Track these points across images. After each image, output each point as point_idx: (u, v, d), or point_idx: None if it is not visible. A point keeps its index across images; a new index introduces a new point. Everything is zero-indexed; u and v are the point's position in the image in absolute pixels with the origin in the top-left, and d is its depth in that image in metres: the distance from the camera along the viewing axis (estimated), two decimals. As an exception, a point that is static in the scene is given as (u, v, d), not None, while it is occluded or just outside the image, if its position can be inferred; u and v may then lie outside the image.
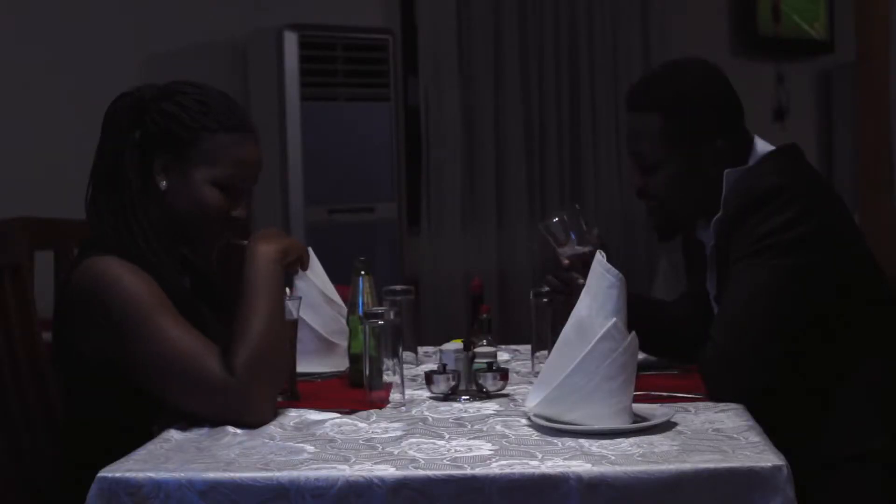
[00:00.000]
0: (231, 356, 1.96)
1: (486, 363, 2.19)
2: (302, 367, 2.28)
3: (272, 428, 1.93)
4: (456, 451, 1.76)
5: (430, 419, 1.99)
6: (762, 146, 2.30)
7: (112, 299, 1.99)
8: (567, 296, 2.34)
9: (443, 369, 2.15)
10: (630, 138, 2.35)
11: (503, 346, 2.65)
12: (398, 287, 2.48)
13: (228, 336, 2.02)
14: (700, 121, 2.27)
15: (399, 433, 1.88)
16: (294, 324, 2.19)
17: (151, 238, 2.11)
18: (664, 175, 2.28)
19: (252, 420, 1.94)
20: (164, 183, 2.13)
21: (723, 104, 2.31)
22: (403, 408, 2.07)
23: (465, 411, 2.04)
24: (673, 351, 2.41)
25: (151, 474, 1.67)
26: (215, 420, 1.94)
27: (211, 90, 2.18)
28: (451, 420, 1.97)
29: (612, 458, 1.70)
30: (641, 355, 2.22)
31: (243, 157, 2.15)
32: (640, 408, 1.93)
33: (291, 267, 2.20)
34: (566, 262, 2.35)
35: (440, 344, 2.28)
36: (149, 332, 1.97)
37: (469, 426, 1.93)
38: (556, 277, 2.37)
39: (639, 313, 1.97)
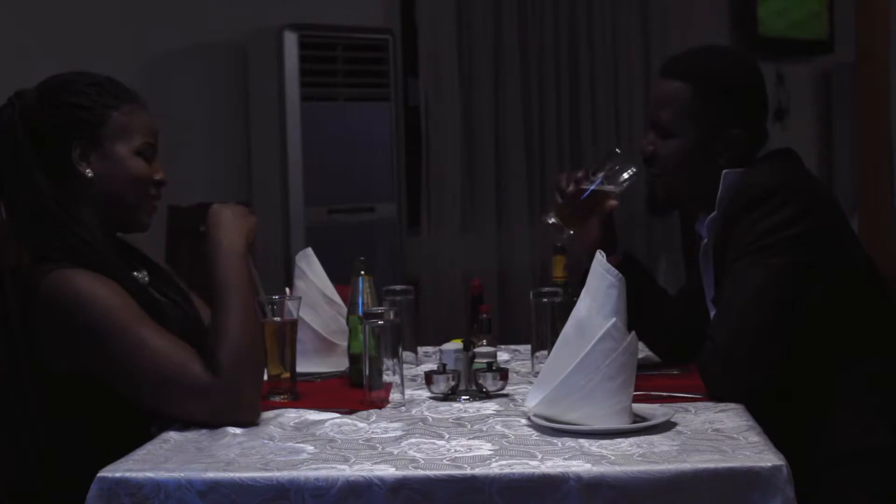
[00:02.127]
0: (213, 358, 1.96)
1: (486, 363, 2.19)
2: (302, 367, 2.28)
3: (272, 428, 1.93)
4: (456, 451, 1.76)
5: (430, 419, 1.99)
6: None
7: (87, 317, 1.99)
8: (568, 207, 2.38)
9: (443, 369, 2.15)
10: (655, 103, 2.36)
11: (503, 346, 2.65)
12: (398, 287, 2.48)
13: (196, 328, 2.01)
14: (727, 105, 2.28)
15: (399, 433, 1.88)
16: (294, 324, 2.19)
17: (94, 237, 2.10)
18: (677, 145, 2.30)
19: (242, 417, 1.95)
20: (88, 171, 2.13)
21: (752, 98, 2.33)
22: (403, 408, 2.07)
23: (465, 411, 2.04)
24: (657, 341, 2.43)
25: (151, 474, 1.67)
26: (208, 423, 1.94)
27: (93, 74, 2.21)
28: (450, 420, 1.97)
29: (612, 458, 1.70)
30: (641, 355, 2.22)
31: (147, 123, 2.19)
32: (640, 408, 1.93)
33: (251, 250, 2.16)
34: (591, 187, 2.37)
35: (440, 344, 2.28)
36: (129, 345, 1.97)
37: (469, 426, 1.93)
38: (566, 189, 2.39)
39: (647, 293, 1.97)
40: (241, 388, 1.96)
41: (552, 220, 2.39)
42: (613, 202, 2.39)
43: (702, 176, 2.29)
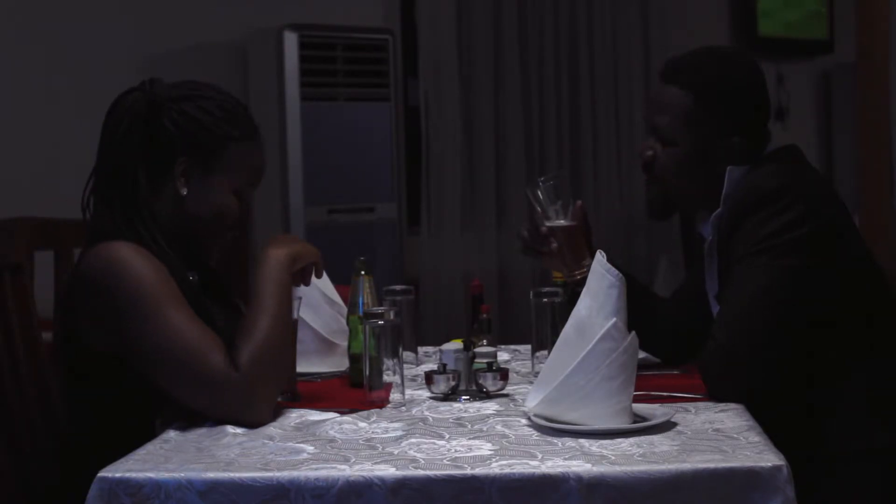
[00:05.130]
0: (236, 353, 1.96)
1: (486, 363, 2.18)
2: (302, 367, 2.28)
3: (272, 428, 1.93)
4: (456, 451, 1.76)
5: (430, 419, 1.99)
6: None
7: (120, 285, 1.98)
8: (535, 255, 2.38)
9: (443, 369, 2.15)
10: (654, 109, 2.34)
11: (503, 346, 2.65)
12: (398, 287, 2.48)
13: (234, 334, 2.01)
14: (727, 114, 2.27)
15: (399, 433, 1.88)
16: (294, 324, 2.19)
17: (157, 234, 2.10)
18: (675, 154, 2.28)
19: (252, 418, 1.94)
20: (184, 189, 2.12)
21: (754, 105, 2.31)
22: (403, 408, 2.07)
23: (465, 411, 2.04)
24: (654, 347, 2.42)
25: (151, 474, 1.67)
26: (215, 415, 1.94)
27: (229, 96, 2.18)
28: (451, 420, 1.97)
29: (612, 458, 1.70)
30: (642, 355, 2.22)
31: (258, 166, 2.19)
32: (640, 408, 1.93)
33: (302, 278, 2.16)
34: (544, 229, 2.35)
35: (440, 344, 2.28)
36: (155, 320, 1.96)
37: (469, 426, 1.93)
38: (530, 236, 2.38)
39: (640, 303, 1.97)
40: (257, 386, 1.95)
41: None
42: (572, 224, 2.36)
43: (702, 182, 2.28)
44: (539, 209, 2.38)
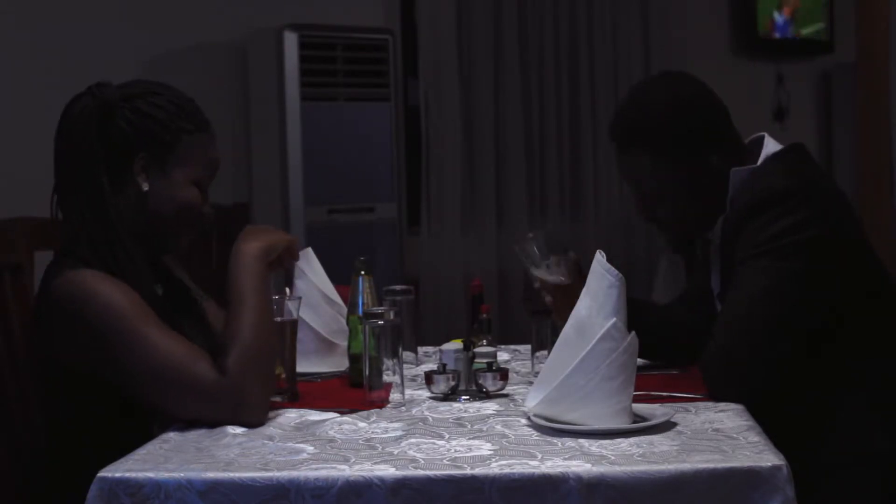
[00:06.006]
0: (222, 357, 1.97)
1: (486, 363, 2.19)
2: (302, 367, 2.28)
3: (272, 428, 1.93)
4: (456, 451, 1.76)
5: (430, 419, 1.99)
6: (772, 146, 2.29)
7: (96, 314, 1.99)
8: (545, 316, 2.33)
9: (443, 369, 2.15)
10: (623, 174, 2.36)
11: (503, 346, 2.65)
12: (398, 287, 2.48)
13: (206, 341, 2.02)
14: (686, 146, 2.25)
15: (399, 433, 1.88)
16: (294, 324, 2.19)
17: (130, 245, 2.11)
18: (665, 201, 2.28)
19: (248, 419, 1.94)
20: (145, 185, 2.13)
21: (704, 121, 2.28)
22: (403, 408, 2.07)
23: (465, 411, 2.04)
24: (667, 356, 2.41)
25: (151, 474, 1.67)
26: (213, 423, 1.94)
27: (178, 91, 2.21)
28: (451, 420, 1.97)
29: (612, 458, 1.70)
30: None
31: (213, 156, 2.21)
32: (640, 408, 1.93)
33: (281, 263, 2.19)
34: (536, 285, 2.34)
35: (440, 344, 2.28)
36: (136, 344, 1.97)
37: (469, 426, 1.93)
38: (527, 295, 2.36)
39: (634, 318, 1.96)
40: (247, 389, 1.96)
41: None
42: (561, 280, 2.30)
43: (701, 205, 2.29)
44: (530, 265, 2.33)
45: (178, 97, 2.19)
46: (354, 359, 2.30)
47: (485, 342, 2.41)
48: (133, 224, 2.13)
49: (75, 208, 2.11)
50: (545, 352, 2.24)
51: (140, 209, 2.14)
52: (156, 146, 2.13)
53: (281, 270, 2.25)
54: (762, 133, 2.33)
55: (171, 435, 1.90)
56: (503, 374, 2.17)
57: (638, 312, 1.99)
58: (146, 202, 2.14)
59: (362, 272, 2.36)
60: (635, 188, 2.31)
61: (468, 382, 2.16)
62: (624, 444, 1.77)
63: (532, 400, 1.92)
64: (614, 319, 1.87)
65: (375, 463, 1.69)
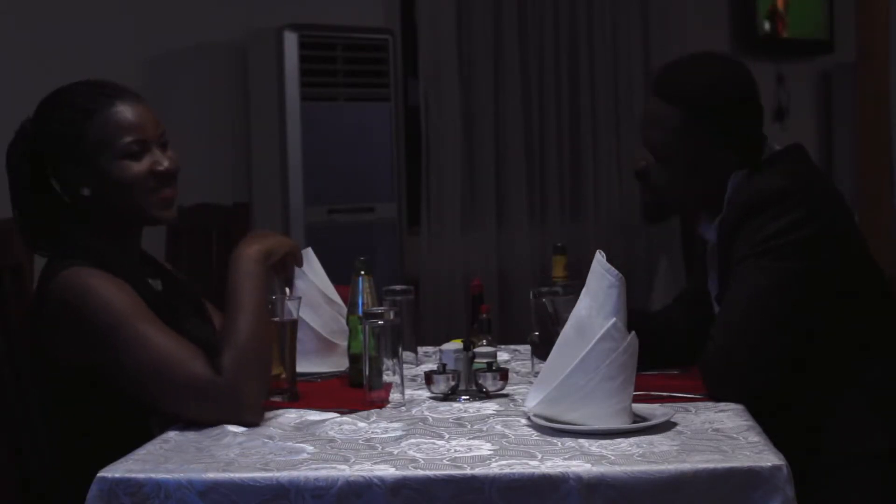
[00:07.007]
0: (217, 357, 1.97)
1: (486, 363, 2.19)
2: (302, 367, 2.28)
3: (272, 428, 1.93)
4: (456, 451, 1.76)
5: (430, 419, 1.99)
6: (768, 147, 2.29)
7: (93, 313, 2.00)
8: None
9: (443, 369, 2.15)
10: (645, 122, 2.32)
11: (503, 346, 2.65)
12: (398, 287, 2.48)
13: (206, 335, 2.03)
14: (720, 128, 2.24)
15: (399, 433, 1.88)
16: (294, 324, 2.19)
17: (113, 247, 2.12)
18: (668, 167, 2.27)
19: (243, 419, 1.95)
20: (85, 190, 2.13)
21: (746, 114, 2.28)
22: (403, 408, 2.07)
23: (465, 411, 2.04)
24: (664, 360, 2.40)
25: (151, 474, 1.67)
26: (206, 422, 1.95)
27: (67, 87, 2.19)
28: (450, 420, 1.97)
29: (612, 458, 1.70)
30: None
31: (126, 121, 2.13)
32: (640, 408, 1.93)
33: (283, 270, 2.21)
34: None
35: (440, 344, 2.28)
36: (132, 341, 1.98)
37: (469, 426, 1.93)
38: (540, 340, 2.32)
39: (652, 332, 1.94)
40: (243, 388, 1.96)
41: None
42: None
43: (696, 192, 2.28)
44: (553, 315, 2.27)
45: (68, 91, 2.17)
46: (354, 359, 2.30)
47: (485, 342, 2.41)
48: (104, 223, 2.15)
49: (39, 233, 2.16)
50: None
51: (100, 210, 2.14)
52: (68, 149, 2.13)
53: (284, 276, 2.25)
54: (766, 138, 2.33)
55: (171, 435, 1.90)
56: (503, 374, 2.17)
57: (635, 324, 1.97)
58: (96, 202, 2.13)
59: (362, 272, 2.36)
60: (647, 138, 2.29)
61: (468, 382, 2.16)
62: (624, 444, 1.77)
63: (532, 400, 1.92)
64: (614, 319, 1.87)
65: (375, 463, 1.69)
